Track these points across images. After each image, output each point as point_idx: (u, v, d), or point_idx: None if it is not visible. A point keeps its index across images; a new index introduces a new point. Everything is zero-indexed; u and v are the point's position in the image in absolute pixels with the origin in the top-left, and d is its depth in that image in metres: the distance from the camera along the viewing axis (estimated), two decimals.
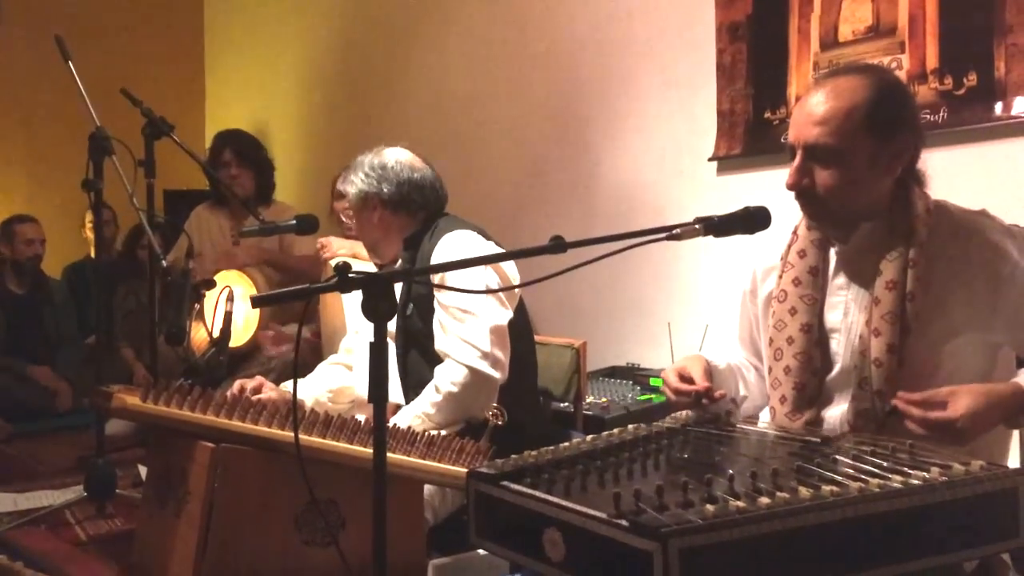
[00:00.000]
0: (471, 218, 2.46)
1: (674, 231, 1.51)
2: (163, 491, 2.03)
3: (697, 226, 1.52)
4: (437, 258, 2.25)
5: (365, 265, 3.19)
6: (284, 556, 1.89)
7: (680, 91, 3.35)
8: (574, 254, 1.48)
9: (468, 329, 2.19)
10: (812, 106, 1.54)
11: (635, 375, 3.19)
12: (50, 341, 4.72)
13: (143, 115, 3.02)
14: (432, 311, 2.27)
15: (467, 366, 2.16)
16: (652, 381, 3.06)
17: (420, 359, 2.31)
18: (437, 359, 2.24)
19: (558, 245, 1.49)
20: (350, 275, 1.40)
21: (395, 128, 4.64)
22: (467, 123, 4.22)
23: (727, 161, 3.18)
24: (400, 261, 2.41)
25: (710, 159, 3.22)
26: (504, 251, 1.62)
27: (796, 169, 1.56)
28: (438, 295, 2.24)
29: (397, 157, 2.42)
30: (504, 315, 2.25)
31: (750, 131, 3.07)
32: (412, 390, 2.28)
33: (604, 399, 2.95)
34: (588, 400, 2.87)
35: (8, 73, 5.44)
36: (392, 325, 2.34)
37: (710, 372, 1.68)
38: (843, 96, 1.52)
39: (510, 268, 2.32)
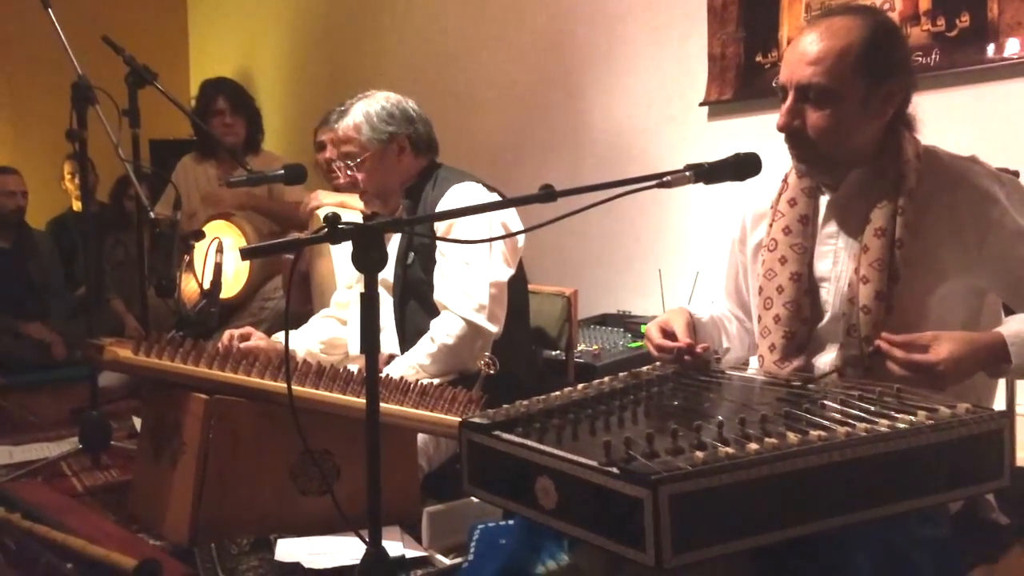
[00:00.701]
0: (461, 166, 2.44)
1: (664, 179, 1.50)
2: (158, 442, 2.04)
3: (687, 173, 1.51)
4: (443, 208, 2.24)
5: (354, 215, 3.17)
6: (280, 505, 1.92)
7: (671, 35, 3.31)
8: (565, 202, 1.47)
9: (468, 281, 2.19)
10: (805, 46, 1.52)
11: (626, 322, 3.20)
12: (38, 294, 4.69)
13: (126, 63, 2.96)
14: (434, 261, 2.27)
15: (464, 318, 2.17)
16: (643, 328, 3.06)
17: (419, 309, 2.31)
18: (436, 310, 2.24)
19: (548, 194, 1.48)
20: (340, 226, 1.39)
21: (381, 75, 4.58)
22: (455, 69, 4.16)
23: (718, 106, 3.15)
24: (401, 209, 2.39)
25: (701, 104, 3.19)
26: (499, 199, 1.61)
27: (787, 110, 1.55)
28: (441, 245, 2.23)
29: (400, 97, 2.38)
30: (506, 272, 2.26)
31: (741, 75, 3.04)
32: (409, 340, 2.28)
33: (595, 346, 2.97)
34: (579, 348, 2.88)
35: None
36: (390, 275, 2.34)
37: (693, 326, 1.69)
38: (837, 36, 1.51)
39: (515, 223, 2.31)
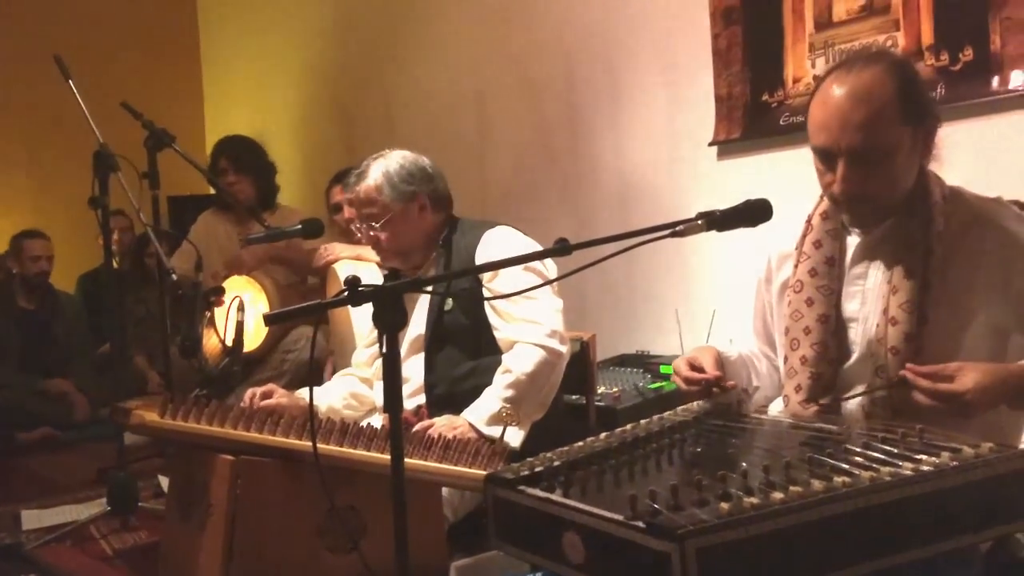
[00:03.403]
0: (474, 211, 2.50)
1: (677, 228, 1.52)
2: (186, 504, 2.06)
3: (699, 222, 1.53)
4: (483, 254, 2.31)
5: (370, 268, 3.21)
6: (308, 564, 1.92)
7: (677, 77, 3.36)
8: (579, 251, 1.50)
9: (533, 311, 2.24)
10: (847, 111, 1.51)
11: (645, 363, 3.20)
12: (62, 354, 4.75)
13: (144, 127, 3.04)
14: (476, 305, 2.31)
15: (539, 345, 2.21)
16: (662, 368, 3.07)
17: (454, 355, 2.33)
18: (476, 352, 2.29)
19: (564, 248, 1.51)
20: (360, 288, 1.42)
21: (391, 125, 4.66)
22: (465, 116, 4.22)
23: (727, 145, 3.18)
24: (430, 264, 2.42)
25: (710, 144, 3.23)
26: (519, 254, 1.64)
27: (845, 177, 1.53)
28: (493, 288, 2.28)
29: (417, 156, 2.44)
30: (558, 300, 2.33)
31: (749, 115, 3.07)
32: (439, 389, 2.30)
33: (615, 389, 2.97)
34: (599, 391, 2.89)
35: (7, 91, 5.46)
36: (418, 328, 2.36)
37: (721, 362, 1.70)
38: (874, 95, 1.51)
39: (549, 263, 2.37)
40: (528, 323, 2.23)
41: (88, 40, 5.52)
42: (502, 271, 2.26)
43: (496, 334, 2.28)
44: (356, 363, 2.65)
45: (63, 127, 4.84)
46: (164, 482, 2.97)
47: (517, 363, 2.20)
